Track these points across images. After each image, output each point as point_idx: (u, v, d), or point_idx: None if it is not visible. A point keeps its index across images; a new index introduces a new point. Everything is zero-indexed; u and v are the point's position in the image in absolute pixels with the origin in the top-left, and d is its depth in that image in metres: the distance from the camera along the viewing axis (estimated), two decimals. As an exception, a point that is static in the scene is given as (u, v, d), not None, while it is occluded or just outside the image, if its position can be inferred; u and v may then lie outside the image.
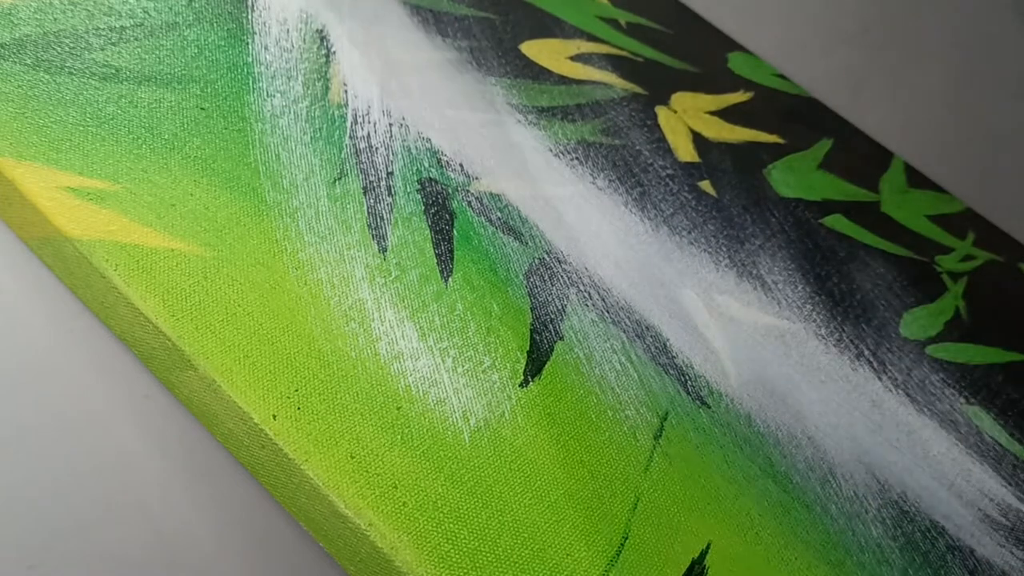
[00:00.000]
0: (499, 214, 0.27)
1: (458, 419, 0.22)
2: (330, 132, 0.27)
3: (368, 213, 0.25)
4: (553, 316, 0.25)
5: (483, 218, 0.26)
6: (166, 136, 0.24)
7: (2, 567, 0.19)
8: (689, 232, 0.30)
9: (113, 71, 0.25)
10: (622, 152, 0.31)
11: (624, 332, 0.25)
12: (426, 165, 0.27)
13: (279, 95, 0.27)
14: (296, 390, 0.21)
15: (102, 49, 0.26)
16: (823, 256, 0.32)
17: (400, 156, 0.27)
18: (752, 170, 0.34)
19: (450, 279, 0.25)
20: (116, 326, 0.22)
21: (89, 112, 0.24)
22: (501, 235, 0.26)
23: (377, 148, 0.27)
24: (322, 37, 0.29)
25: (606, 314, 0.26)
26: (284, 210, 0.24)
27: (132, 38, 0.26)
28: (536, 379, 0.23)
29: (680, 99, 0.35)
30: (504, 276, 0.25)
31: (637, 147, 0.32)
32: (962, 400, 0.29)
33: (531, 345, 0.24)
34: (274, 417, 0.20)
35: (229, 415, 0.21)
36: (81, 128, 0.23)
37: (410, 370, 0.22)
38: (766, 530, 0.23)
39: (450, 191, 0.27)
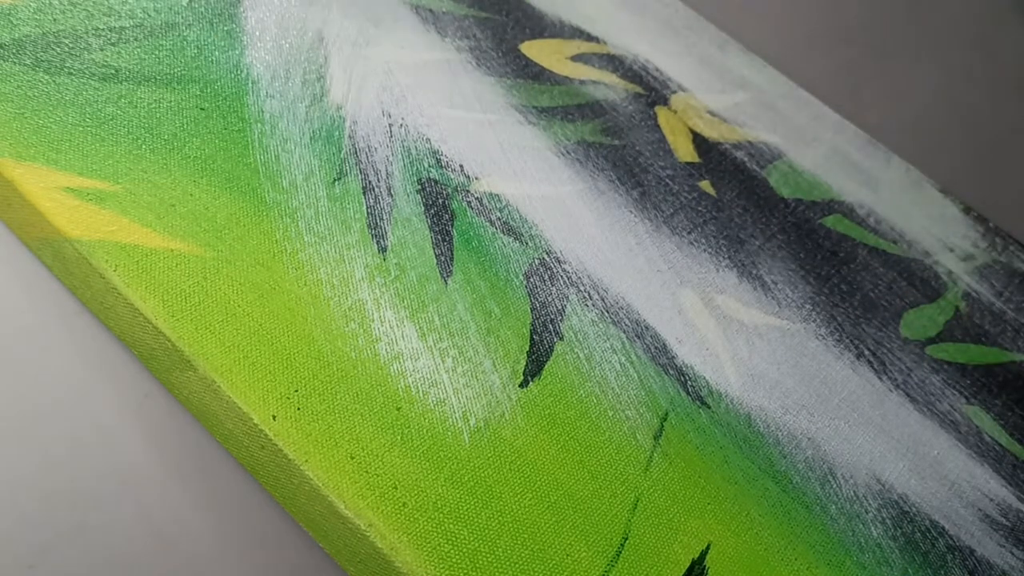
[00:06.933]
0: (499, 214, 0.27)
1: (458, 419, 0.22)
2: (329, 132, 0.27)
3: (368, 213, 0.25)
4: (553, 316, 0.25)
5: (483, 218, 0.26)
6: (166, 136, 0.24)
7: (2, 567, 0.19)
8: (689, 232, 0.30)
9: (112, 71, 0.25)
10: (622, 152, 0.31)
11: (624, 332, 0.25)
12: (426, 165, 0.27)
13: (278, 95, 0.27)
14: (296, 391, 0.21)
15: (101, 49, 0.26)
16: (823, 256, 0.32)
17: (400, 156, 0.27)
18: (752, 170, 0.34)
19: (450, 279, 0.25)
20: (116, 326, 0.22)
21: (89, 112, 0.24)
22: (501, 235, 0.26)
23: (377, 148, 0.27)
24: (321, 37, 0.29)
25: (606, 314, 0.26)
26: (284, 210, 0.24)
27: (131, 38, 0.26)
28: (536, 379, 0.23)
29: (680, 99, 0.35)
30: (504, 276, 0.25)
31: (637, 147, 0.32)
32: (962, 400, 0.29)
33: (531, 345, 0.24)
34: (274, 418, 0.20)
35: (229, 415, 0.21)
36: (81, 128, 0.23)
37: (410, 370, 0.22)
38: (766, 530, 0.23)
39: (450, 191, 0.27)
